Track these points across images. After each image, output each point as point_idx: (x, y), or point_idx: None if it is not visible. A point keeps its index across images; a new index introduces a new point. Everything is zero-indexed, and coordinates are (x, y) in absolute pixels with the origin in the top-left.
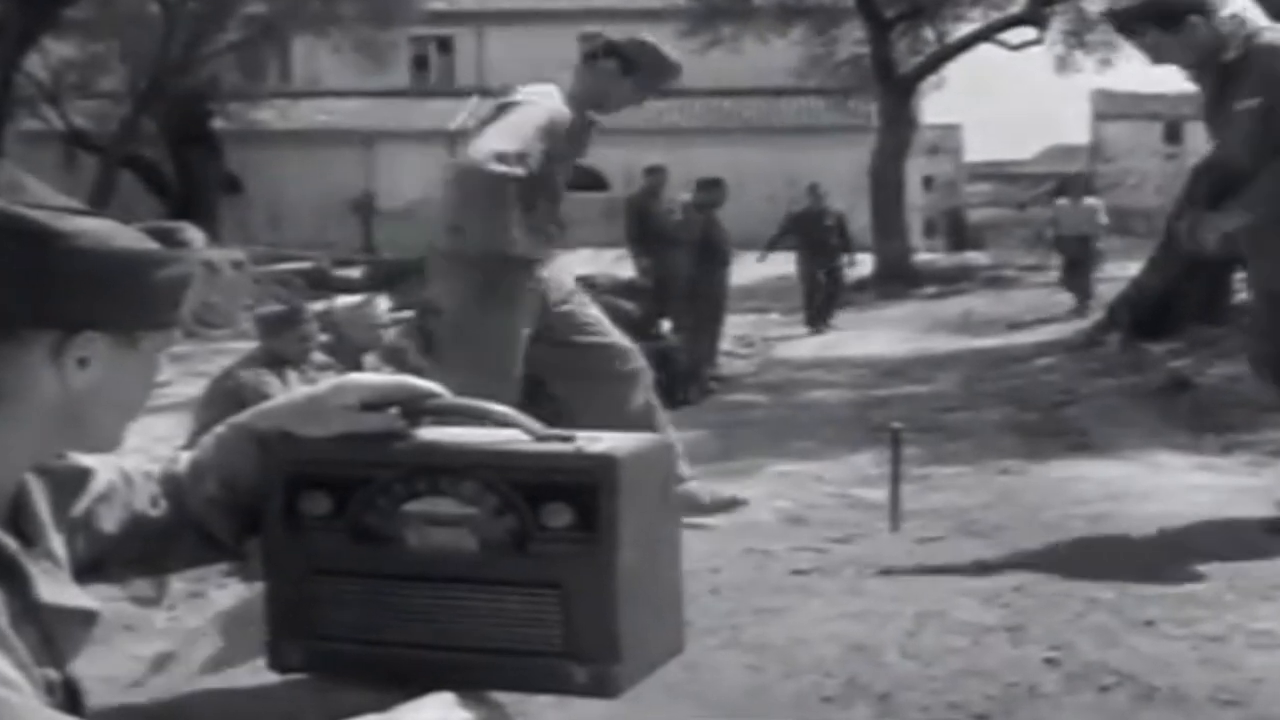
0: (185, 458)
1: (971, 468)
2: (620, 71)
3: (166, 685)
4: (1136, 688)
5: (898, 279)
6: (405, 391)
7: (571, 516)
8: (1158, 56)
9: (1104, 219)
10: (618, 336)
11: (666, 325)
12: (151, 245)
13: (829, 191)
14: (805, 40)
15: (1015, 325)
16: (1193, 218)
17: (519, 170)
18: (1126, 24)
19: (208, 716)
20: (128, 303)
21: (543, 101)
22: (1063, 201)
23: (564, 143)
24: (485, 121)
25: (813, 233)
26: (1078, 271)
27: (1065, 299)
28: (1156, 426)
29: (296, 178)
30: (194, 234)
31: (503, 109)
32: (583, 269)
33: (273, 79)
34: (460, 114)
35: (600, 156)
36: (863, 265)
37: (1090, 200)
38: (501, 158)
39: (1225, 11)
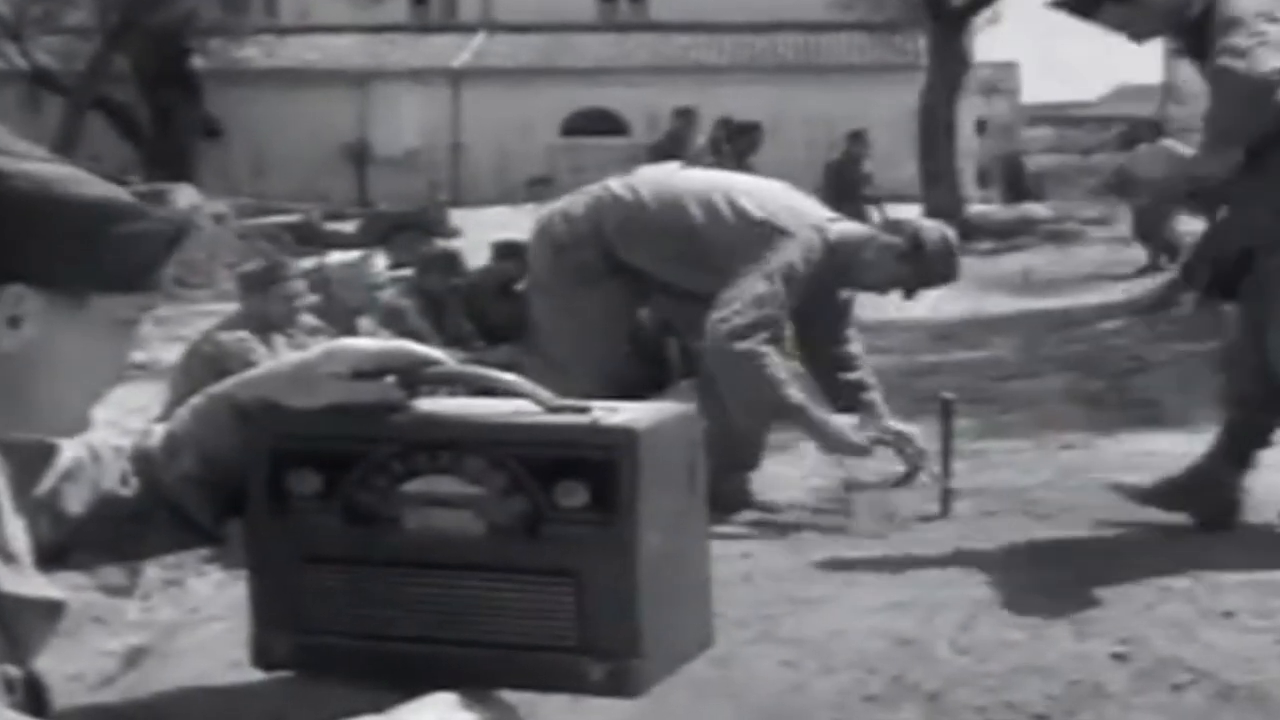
0: (159, 431)
1: (1030, 442)
2: None
3: (140, 683)
4: (1213, 685)
5: None
6: (403, 358)
7: (587, 496)
8: (1131, 32)
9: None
10: None
11: None
12: (116, 195)
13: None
14: None
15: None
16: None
17: None
18: (1078, 8)
19: (185, 717)
20: (70, 256)
21: None
22: (1142, 148)
23: None
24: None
25: (839, 185)
26: (1155, 222)
27: (1134, 255)
28: None
29: (283, 122)
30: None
31: None
32: None
33: (257, 13)
34: (464, 51)
35: (619, 98)
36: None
37: (1167, 142)
38: None
39: None
